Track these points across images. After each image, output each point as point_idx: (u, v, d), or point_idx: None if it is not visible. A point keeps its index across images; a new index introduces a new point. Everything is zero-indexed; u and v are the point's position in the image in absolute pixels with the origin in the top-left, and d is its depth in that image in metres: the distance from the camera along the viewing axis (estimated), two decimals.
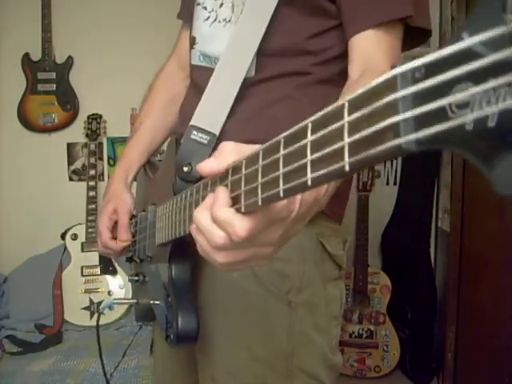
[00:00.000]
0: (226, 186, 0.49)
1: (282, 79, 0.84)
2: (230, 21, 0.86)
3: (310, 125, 0.37)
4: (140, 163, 1.04)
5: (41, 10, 2.58)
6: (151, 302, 0.90)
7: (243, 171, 0.46)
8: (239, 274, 0.84)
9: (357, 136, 0.31)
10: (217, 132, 0.83)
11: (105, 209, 0.99)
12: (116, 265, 2.45)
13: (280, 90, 0.83)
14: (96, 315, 2.35)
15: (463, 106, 0.24)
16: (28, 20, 2.63)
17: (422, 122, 0.27)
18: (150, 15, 2.65)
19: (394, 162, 2.87)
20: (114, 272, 2.44)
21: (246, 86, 0.83)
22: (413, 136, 0.27)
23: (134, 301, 1.01)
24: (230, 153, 0.51)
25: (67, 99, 2.66)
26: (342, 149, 0.33)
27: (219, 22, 0.87)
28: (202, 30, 0.90)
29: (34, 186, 2.71)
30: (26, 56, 2.63)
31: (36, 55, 2.62)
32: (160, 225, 0.81)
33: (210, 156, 0.84)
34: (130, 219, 1.00)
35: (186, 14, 1.03)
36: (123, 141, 2.74)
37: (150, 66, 2.80)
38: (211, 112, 0.84)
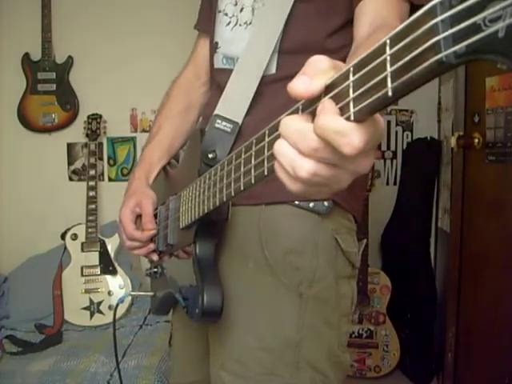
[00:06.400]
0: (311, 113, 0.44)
1: None
2: (250, 23, 0.90)
3: (351, 69, 0.41)
4: (160, 166, 1.05)
5: (41, 10, 2.58)
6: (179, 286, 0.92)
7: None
8: (254, 264, 0.86)
9: (399, 63, 0.36)
10: (239, 121, 0.88)
11: (127, 203, 0.99)
12: (116, 265, 2.45)
13: None
14: (96, 315, 2.35)
15: (495, 19, 0.29)
16: (28, 20, 2.63)
17: (459, 37, 0.31)
18: (151, 16, 2.66)
19: (394, 161, 2.87)
20: (113, 272, 2.44)
21: (268, 83, 0.87)
22: (452, 49, 0.32)
23: (151, 293, 1.04)
24: (326, 69, 0.44)
25: (67, 99, 2.66)
26: (384, 78, 0.37)
27: (240, 25, 0.91)
28: (224, 34, 0.94)
29: (34, 186, 2.71)
30: (26, 56, 2.63)
31: (36, 55, 2.63)
32: (185, 207, 0.83)
33: (233, 144, 0.87)
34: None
35: (204, 25, 1.07)
36: (123, 141, 2.74)
37: (151, 66, 2.82)
38: (233, 104, 0.89)
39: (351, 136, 0.40)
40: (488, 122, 1.91)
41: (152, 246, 0.98)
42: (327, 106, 0.42)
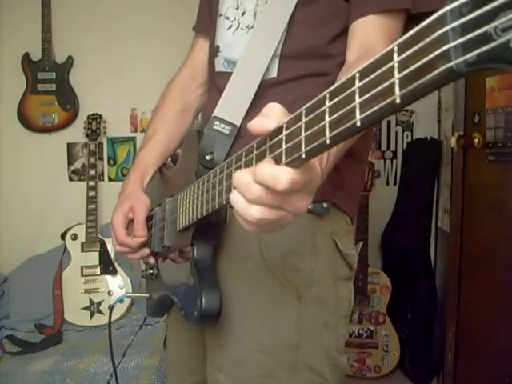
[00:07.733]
0: (265, 150, 0.51)
1: (304, 80, 0.87)
2: (252, 27, 0.90)
3: (357, 75, 0.40)
4: (155, 168, 1.04)
5: (41, 10, 2.59)
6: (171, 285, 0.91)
7: (284, 132, 0.48)
8: (253, 266, 0.86)
9: (407, 71, 0.35)
10: (238, 123, 0.87)
11: (120, 207, 0.98)
12: (116, 265, 2.45)
13: (302, 90, 0.85)
14: (96, 315, 2.35)
15: (507, 28, 0.29)
16: (28, 20, 2.63)
17: (470, 46, 0.31)
18: (151, 17, 2.66)
19: (394, 161, 2.87)
20: (113, 272, 2.45)
21: (268, 86, 0.87)
22: (462, 58, 0.31)
23: (147, 295, 1.04)
24: (279, 114, 0.51)
25: (67, 99, 2.66)
26: (392, 85, 0.36)
27: (242, 29, 0.91)
28: (226, 38, 0.94)
29: (33, 186, 2.71)
30: (26, 56, 2.63)
31: (36, 55, 2.63)
32: (182, 209, 0.82)
33: (231, 146, 0.87)
34: (146, 219, 1.00)
35: (202, 26, 1.07)
36: (123, 141, 2.74)
37: (150, 66, 2.82)
38: (232, 106, 0.88)
39: (277, 176, 0.47)
40: (488, 122, 1.91)
41: (146, 251, 0.97)
42: (263, 160, 0.50)
